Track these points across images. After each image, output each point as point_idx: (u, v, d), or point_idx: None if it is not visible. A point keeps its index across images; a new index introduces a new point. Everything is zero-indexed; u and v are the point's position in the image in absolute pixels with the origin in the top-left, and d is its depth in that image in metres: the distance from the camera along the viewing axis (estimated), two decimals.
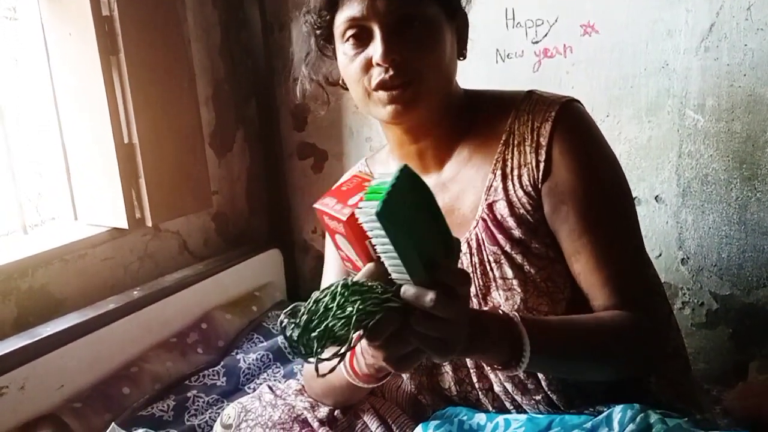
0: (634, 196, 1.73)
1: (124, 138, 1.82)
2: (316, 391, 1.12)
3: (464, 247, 0.97)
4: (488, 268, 0.95)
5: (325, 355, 0.70)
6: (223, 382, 1.67)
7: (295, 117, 2.28)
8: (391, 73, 0.88)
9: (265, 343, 1.83)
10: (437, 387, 1.07)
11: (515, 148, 0.93)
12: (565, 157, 0.90)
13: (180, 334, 1.82)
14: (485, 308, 0.96)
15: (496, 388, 0.99)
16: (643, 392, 0.97)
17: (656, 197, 1.72)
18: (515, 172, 0.93)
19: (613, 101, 1.72)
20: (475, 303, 0.97)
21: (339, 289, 0.69)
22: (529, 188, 0.92)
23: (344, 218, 0.72)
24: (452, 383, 1.04)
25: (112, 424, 1.34)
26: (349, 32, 0.91)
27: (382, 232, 0.67)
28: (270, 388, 1.22)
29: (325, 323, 0.68)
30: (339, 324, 0.68)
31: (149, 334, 1.76)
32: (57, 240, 1.79)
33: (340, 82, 1.02)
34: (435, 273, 0.70)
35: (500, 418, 0.97)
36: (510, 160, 0.94)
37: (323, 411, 1.11)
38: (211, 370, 1.70)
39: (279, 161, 2.31)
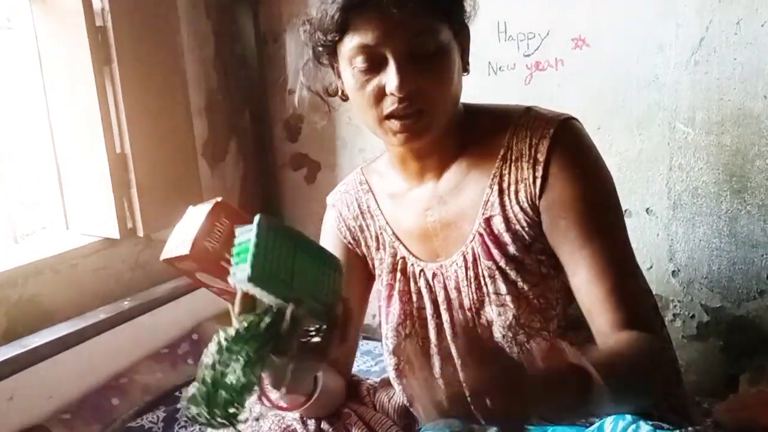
0: (624, 208, 1.75)
1: (117, 148, 1.82)
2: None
3: (460, 262, 0.97)
4: (482, 282, 0.95)
5: (245, 415, 0.69)
6: None
7: (288, 128, 2.28)
8: (405, 104, 0.87)
9: None
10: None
11: (512, 164, 0.93)
12: (563, 172, 0.90)
13: (171, 345, 1.81)
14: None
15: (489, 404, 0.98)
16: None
17: (647, 210, 1.73)
18: (512, 188, 0.93)
19: (604, 114, 1.73)
20: (469, 317, 0.97)
21: (224, 350, 0.68)
22: (526, 204, 0.92)
23: (187, 251, 0.71)
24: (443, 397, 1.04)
25: None
26: (360, 58, 0.88)
27: (264, 292, 0.67)
28: (260, 399, 1.21)
29: (227, 390, 0.67)
30: (240, 379, 0.67)
31: (140, 345, 1.75)
32: (48, 250, 1.79)
33: (340, 94, 1.00)
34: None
35: (492, 429, 0.96)
36: (507, 176, 0.94)
37: (312, 423, 1.11)
38: None
39: (272, 172, 2.31)
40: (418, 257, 1.03)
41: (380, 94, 0.88)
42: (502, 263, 0.93)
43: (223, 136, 2.28)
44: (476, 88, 1.81)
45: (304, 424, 1.10)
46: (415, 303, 1.03)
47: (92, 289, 1.86)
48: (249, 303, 0.73)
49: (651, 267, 1.74)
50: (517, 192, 0.92)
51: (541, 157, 0.90)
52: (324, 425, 1.09)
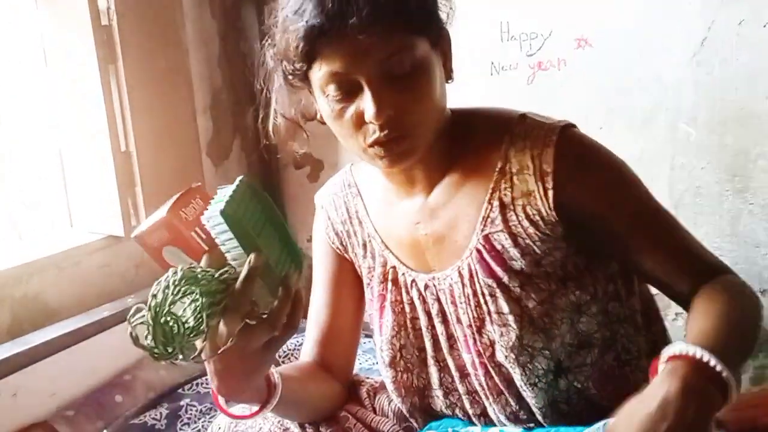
0: None
1: (121, 146, 1.83)
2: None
3: (455, 277, 0.94)
4: (482, 300, 0.91)
5: (193, 350, 0.68)
6: None
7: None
8: (385, 131, 0.82)
9: None
10: (429, 409, 1.05)
11: (514, 177, 0.88)
12: (581, 177, 0.86)
13: None
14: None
15: (490, 414, 0.98)
16: None
17: None
18: (517, 202, 0.88)
19: (606, 114, 1.73)
20: (468, 333, 0.94)
21: (171, 278, 0.67)
22: (537, 218, 0.87)
23: (165, 214, 0.71)
24: (443, 407, 1.02)
25: (105, 431, 1.34)
26: (332, 87, 0.82)
27: (229, 234, 0.67)
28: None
29: (174, 318, 0.66)
30: (189, 314, 0.66)
31: None
32: (52, 247, 1.80)
33: (318, 117, 0.94)
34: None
35: (495, 430, 0.96)
36: (509, 190, 0.89)
37: (311, 426, 1.09)
38: (204, 378, 1.70)
39: (275, 170, 2.32)
40: (410, 267, 0.98)
41: (359, 122, 0.83)
42: (505, 279, 0.89)
43: (227, 135, 2.29)
44: (479, 88, 1.84)
45: (303, 428, 1.09)
46: (409, 314, 0.99)
47: (96, 286, 1.87)
48: (214, 264, 0.70)
49: None
50: (524, 206, 0.88)
51: (548, 168, 0.85)
52: (322, 428, 1.08)
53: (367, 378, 1.19)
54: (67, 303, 1.78)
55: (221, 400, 0.84)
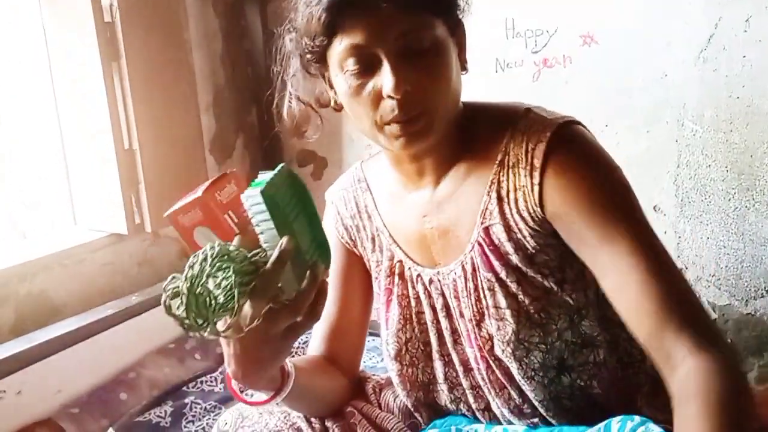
0: None
1: (125, 143, 1.83)
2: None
3: (459, 271, 0.94)
4: (482, 295, 0.92)
5: (219, 327, 0.69)
6: (221, 389, 1.67)
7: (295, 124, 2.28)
8: (404, 109, 0.82)
9: None
10: (433, 404, 1.06)
11: (510, 170, 0.89)
12: (561, 176, 0.85)
13: (178, 340, 1.81)
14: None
15: (494, 408, 0.98)
16: (632, 413, 0.96)
17: (655, 207, 1.72)
18: (511, 196, 0.88)
19: (611, 112, 1.72)
20: (470, 327, 0.94)
21: (209, 252, 0.68)
22: (526, 213, 0.87)
23: (199, 194, 0.72)
24: (448, 402, 1.03)
25: (110, 429, 1.34)
26: (351, 61, 0.83)
27: (266, 215, 0.68)
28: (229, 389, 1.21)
29: (208, 291, 0.67)
30: (220, 290, 0.67)
31: (147, 340, 1.75)
32: (56, 245, 1.80)
33: (332, 104, 0.96)
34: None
35: (498, 428, 0.96)
36: (505, 182, 0.89)
37: (318, 421, 1.10)
38: (209, 376, 1.70)
39: None
40: (416, 262, 0.99)
41: (377, 98, 0.83)
42: (502, 274, 0.89)
43: (231, 132, 2.29)
44: (484, 85, 1.83)
45: (309, 422, 1.09)
46: (414, 308, 1.00)
47: (100, 284, 1.87)
48: (246, 246, 0.71)
49: None
50: (516, 200, 0.88)
51: (537, 163, 0.85)
52: (328, 423, 1.09)
53: (373, 375, 1.20)
54: (70, 301, 1.78)
55: (235, 385, 0.84)
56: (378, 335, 1.50)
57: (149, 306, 1.78)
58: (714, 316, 1.69)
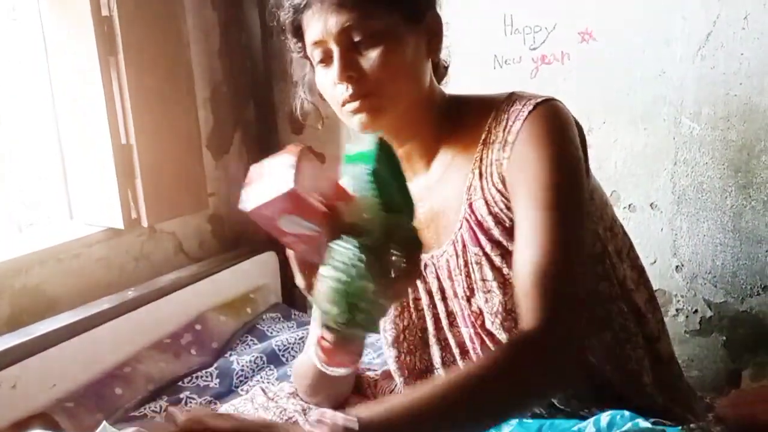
0: (629, 203, 1.74)
1: (122, 138, 1.82)
2: (301, 390, 1.13)
3: (450, 251, 0.97)
4: (471, 270, 0.95)
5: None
6: (216, 384, 1.66)
7: (293, 120, 2.28)
8: (350, 90, 0.91)
9: (259, 346, 1.82)
10: None
11: (490, 147, 0.94)
12: (524, 148, 0.90)
13: (174, 335, 1.81)
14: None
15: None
16: (638, 394, 0.97)
17: (651, 204, 1.72)
18: (488, 170, 0.94)
19: (609, 108, 1.72)
20: (463, 304, 0.97)
21: (358, 263, 0.71)
22: (500, 185, 0.92)
23: (292, 186, 0.71)
24: None
25: (104, 422, 1.33)
26: (317, 55, 0.94)
27: (375, 192, 0.70)
28: (263, 390, 1.22)
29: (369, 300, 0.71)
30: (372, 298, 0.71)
31: (143, 335, 1.75)
32: (52, 239, 1.79)
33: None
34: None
35: None
36: (486, 159, 0.94)
37: (314, 415, 1.11)
38: (204, 371, 1.69)
39: None
40: None
41: (334, 84, 0.93)
42: (488, 248, 0.93)
43: (228, 128, 2.28)
44: (482, 82, 1.83)
45: (306, 415, 1.10)
46: (411, 294, 1.04)
47: (96, 278, 1.86)
48: (335, 235, 0.74)
49: (654, 262, 1.73)
50: (491, 174, 0.93)
51: (510, 138, 0.91)
52: None
53: (368, 370, 1.22)
54: (66, 295, 1.77)
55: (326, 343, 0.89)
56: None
57: (145, 301, 1.77)
58: (709, 313, 1.69)
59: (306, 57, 0.99)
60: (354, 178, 0.72)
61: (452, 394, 0.75)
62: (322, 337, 0.85)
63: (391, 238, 0.74)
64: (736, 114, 1.57)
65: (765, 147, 1.56)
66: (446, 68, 1.06)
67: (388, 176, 0.74)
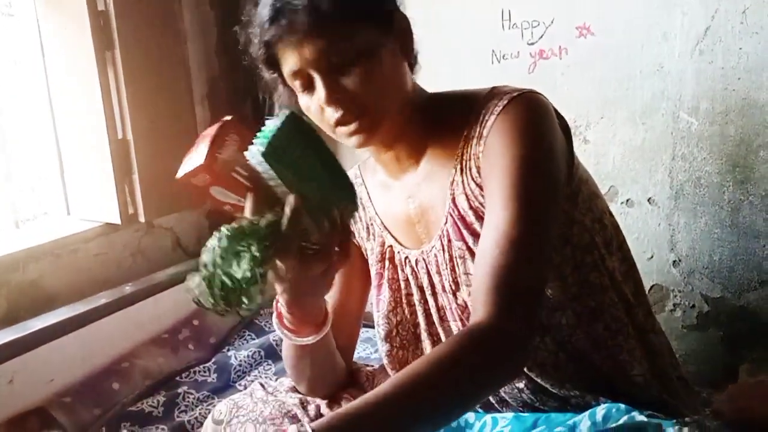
0: (626, 197, 1.74)
1: (119, 133, 1.82)
2: (291, 376, 1.14)
3: (438, 245, 0.98)
4: (455, 264, 0.96)
5: (247, 304, 0.73)
6: (213, 379, 1.67)
7: None
8: (340, 112, 0.90)
9: (256, 341, 1.82)
10: None
11: (470, 142, 0.94)
12: (496, 139, 0.90)
13: (171, 330, 1.81)
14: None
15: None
16: (629, 385, 0.98)
17: (649, 199, 1.72)
18: (467, 165, 0.94)
19: (607, 103, 1.72)
20: (450, 299, 0.98)
21: (217, 245, 0.71)
22: (479, 179, 0.92)
23: (201, 161, 0.73)
24: None
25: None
26: (297, 83, 0.92)
27: (272, 173, 0.70)
28: (262, 385, 1.22)
29: (228, 276, 0.71)
30: (246, 265, 0.71)
31: (140, 330, 1.75)
32: (49, 234, 1.79)
33: None
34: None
35: (488, 417, 0.97)
36: (466, 154, 0.94)
37: (313, 408, 1.12)
38: (201, 366, 1.69)
39: None
40: (404, 245, 1.04)
41: (321, 109, 0.92)
42: (470, 242, 0.93)
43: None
44: (479, 77, 1.82)
45: (305, 408, 1.11)
46: (404, 290, 1.05)
47: (93, 274, 1.86)
48: (259, 206, 0.76)
49: (652, 257, 1.73)
50: (470, 168, 0.93)
51: (485, 132, 0.91)
52: (324, 410, 1.11)
53: (366, 365, 1.22)
54: (63, 290, 1.77)
55: (285, 321, 0.95)
56: (371, 326, 1.53)
57: (142, 296, 1.78)
58: (707, 308, 1.69)
59: (285, 85, 0.97)
60: (252, 157, 0.72)
61: (402, 394, 0.75)
62: (279, 312, 0.93)
63: (296, 218, 0.73)
64: (735, 109, 1.57)
65: (763, 142, 1.56)
66: (416, 57, 1.02)
67: (296, 153, 0.74)
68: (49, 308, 1.67)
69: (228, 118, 0.83)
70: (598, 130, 1.74)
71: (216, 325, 1.88)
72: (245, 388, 1.34)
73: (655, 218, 1.72)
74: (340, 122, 0.91)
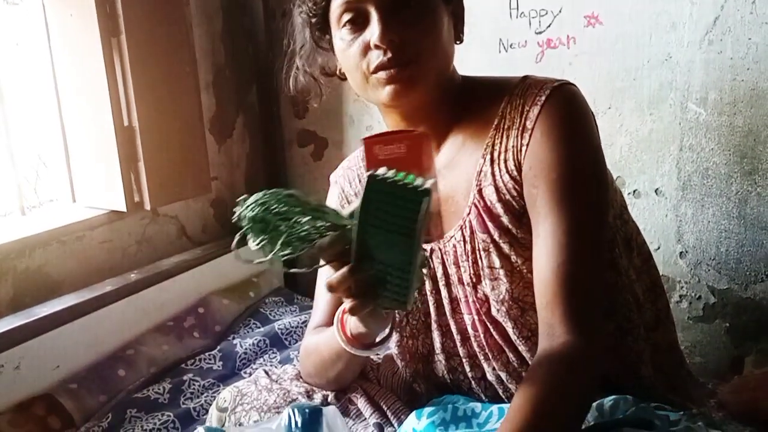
0: (633, 188, 1.74)
1: (124, 121, 1.82)
2: (308, 370, 1.12)
3: (458, 236, 0.96)
4: (478, 256, 0.94)
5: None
6: (219, 367, 1.67)
7: (296, 104, 2.27)
8: (389, 54, 0.87)
9: (261, 329, 1.83)
10: (432, 375, 1.07)
11: (504, 133, 0.91)
12: (544, 137, 0.88)
13: (177, 317, 1.82)
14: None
15: (489, 377, 0.99)
16: (636, 383, 0.97)
17: (656, 190, 1.72)
18: (502, 157, 0.91)
19: (615, 93, 1.71)
20: (468, 291, 0.96)
21: (311, 203, 0.75)
22: (514, 173, 0.90)
23: (416, 132, 0.77)
24: (445, 371, 1.04)
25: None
26: (346, 16, 0.89)
27: (420, 218, 0.71)
28: (266, 372, 1.23)
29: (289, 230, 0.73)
30: (298, 233, 0.73)
31: (146, 318, 1.76)
32: (55, 221, 1.79)
33: (338, 72, 1.01)
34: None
35: (494, 407, 0.97)
36: (498, 145, 0.92)
37: (318, 397, 1.12)
38: (207, 354, 1.70)
39: (279, 148, 2.30)
40: None
41: (366, 49, 0.89)
42: (496, 236, 0.91)
43: (231, 112, 2.27)
44: (487, 66, 1.82)
45: (310, 398, 1.11)
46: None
47: (99, 261, 1.87)
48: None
49: (659, 248, 1.73)
50: (506, 161, 0.91)
51: (529, 124, 0.89)
52: (330, 399, 1.11)
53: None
54: (69, 277, 1.78)
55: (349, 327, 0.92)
56: None
57: (148, 283, 1.78)
58: (713, 300, 1.69)
59: (321, 23, 0.95)
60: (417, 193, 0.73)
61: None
62: (342, 321, 0.92)
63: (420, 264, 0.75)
64: (743, 99, 1.56)
65: None
66: (462, 36, 1.03)
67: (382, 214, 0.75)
68: (55, 295, 1.67)
69: (421, 131, 0.86)
70: (606, 120, 1.73)
71: (221, 314, 1.89)
72: (250, 375, 1.34)
73: (662, 209, 1.72)
74: (383, 66, 0.88)
